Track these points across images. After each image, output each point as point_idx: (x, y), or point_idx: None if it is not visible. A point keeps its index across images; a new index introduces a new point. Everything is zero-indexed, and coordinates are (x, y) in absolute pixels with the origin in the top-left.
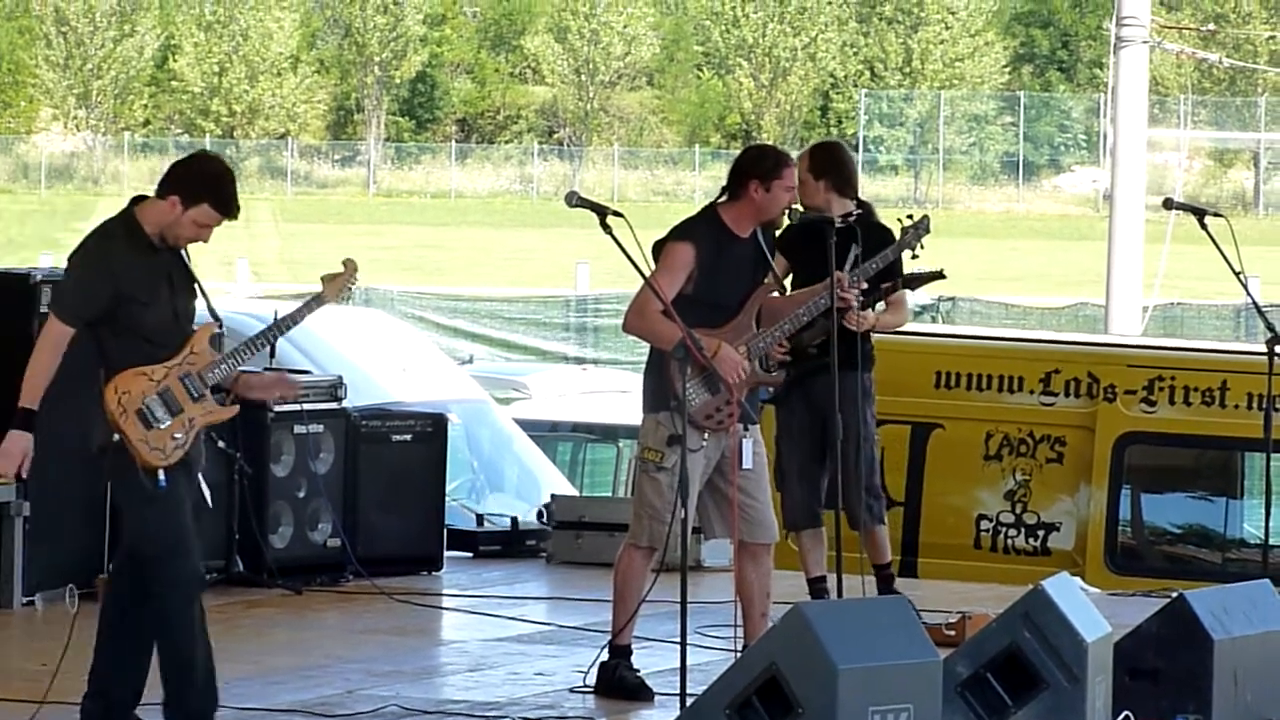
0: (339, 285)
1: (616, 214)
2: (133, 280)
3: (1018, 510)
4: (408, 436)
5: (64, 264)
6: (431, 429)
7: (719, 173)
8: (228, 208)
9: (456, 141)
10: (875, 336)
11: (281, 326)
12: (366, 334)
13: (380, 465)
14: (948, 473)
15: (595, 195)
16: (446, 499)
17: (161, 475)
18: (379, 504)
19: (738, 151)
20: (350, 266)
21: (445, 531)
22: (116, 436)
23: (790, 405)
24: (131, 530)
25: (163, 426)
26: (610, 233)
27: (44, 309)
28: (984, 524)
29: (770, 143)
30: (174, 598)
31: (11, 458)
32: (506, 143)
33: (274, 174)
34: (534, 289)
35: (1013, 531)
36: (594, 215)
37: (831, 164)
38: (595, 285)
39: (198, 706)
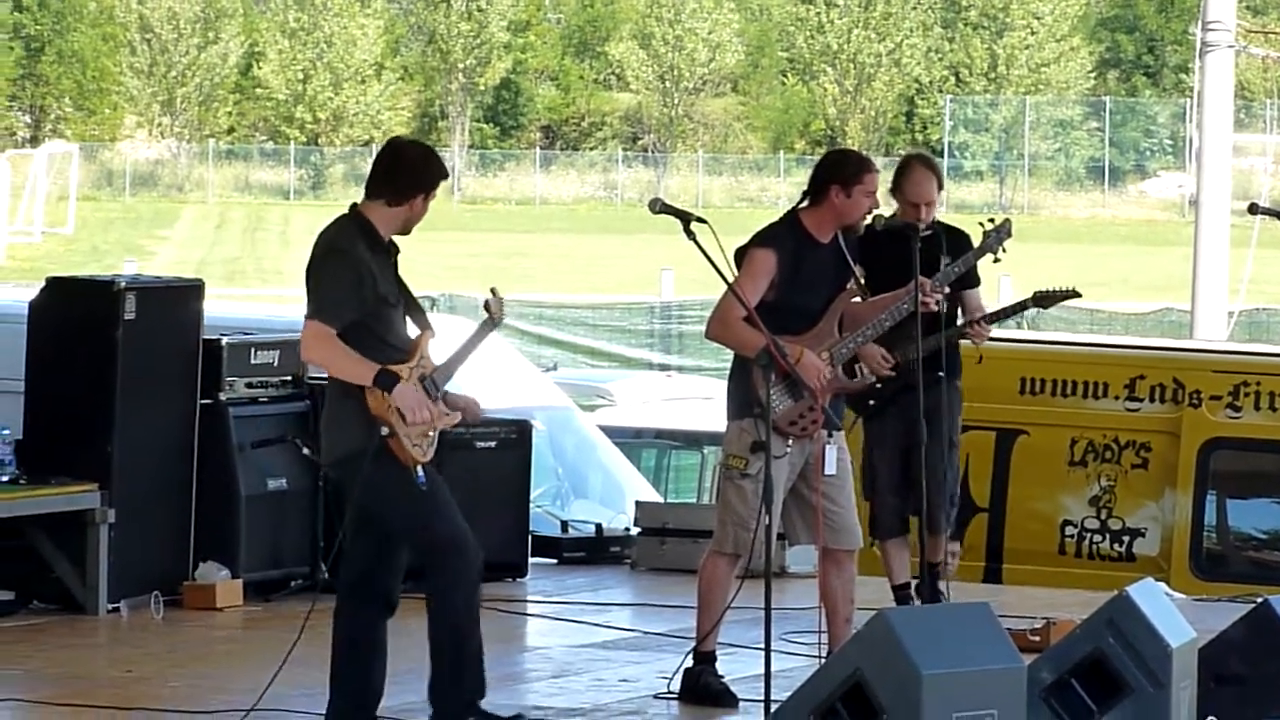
0: (499, 311)
1: (700, 220)
2: (384, 282)
3: (1102, 516)
4: (492, 443)
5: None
6: (516, 436)
7: (803, 179)
8: (446, 171)
9: (541, 148)
10: (961, 343)
11: (469, 350)
12: (451, 341)
13: (465, 472)
14: (1032, 479)
15: (679, 202)
16: (531, 505)
17: (420, 473)
18: (464, 510)
19: (819, 157)
20: (497, 294)
21: (530, 538)
22: (386, 431)
23: (887, 415)
24: (405, 529)
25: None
26: (694, 239)
27: (129, 315)
28: (1069, 530)
29: (853, 148)
30: (457, 593)
31: (421, 407)
32: (591, 149)
33: (359, 181)
34: (618, 295)
35: (1097, 537)
36: (678, 221)
37: (935, 163)
38: (679, 292)
39: (469, 691)
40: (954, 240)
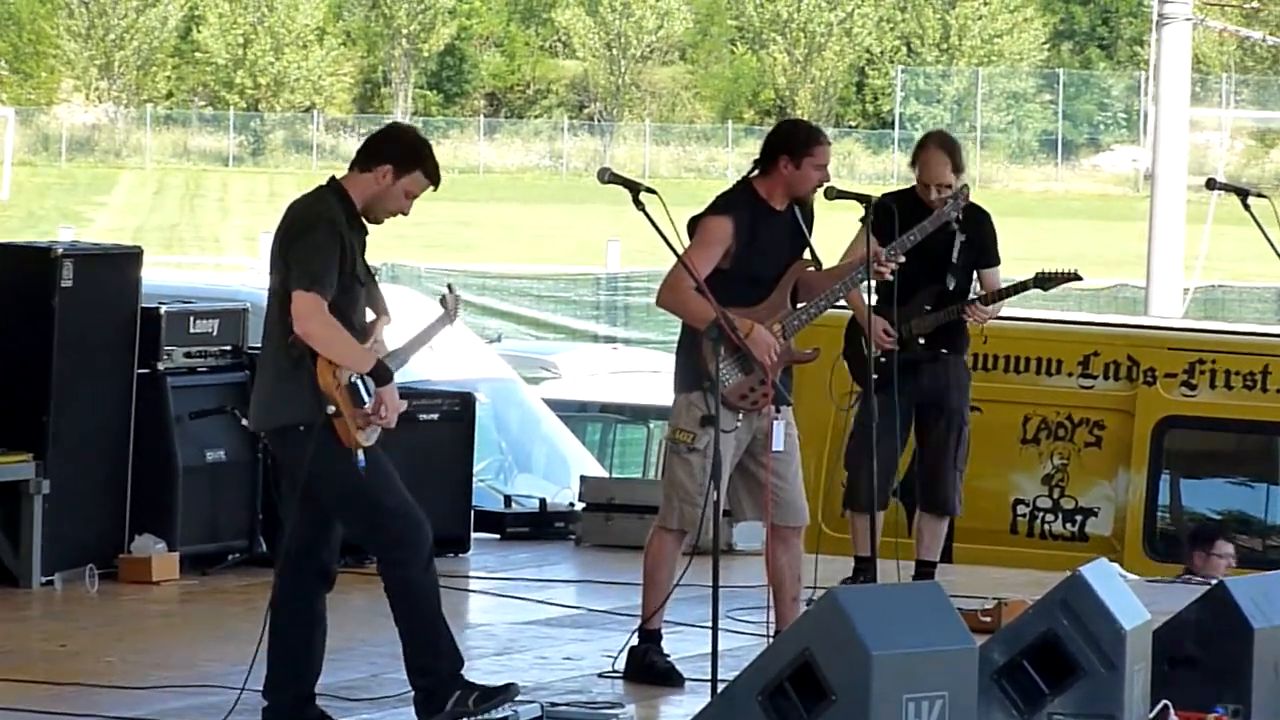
0: (455, 309)
1: (650, 190)
2: (355, 258)
3: (1055, 495)
4: (435, 416)
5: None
6: (459, 408)
7: (752, 149)
8: (437, 175)
9: (485, 116)
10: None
11: (421, 343)
12: (393, 312)
13: (406, 445)
14: (984, 456)
15: (626, 172)
16: (474, 480)
17: (361, 457)
18: (405, 484)
19: (770, 128)
20: (453, 292)
21: (472, 513)
22: (332, 409)
23: (890, 392)
24: (349, 509)
25: (365, 407)
26: (643, 210)
27: (66, 282)
28: (1021, 509)
29: (804, 119)
30: (415, 566)
31: (396, 410)
32: (536, 117)
33: (299, 148)
34: (564, 266)
35: (1050, 516)
36: (626, 192)
37: (955, 145)
38: (626, 263)
39: (448, 666)
40: (971, 220)
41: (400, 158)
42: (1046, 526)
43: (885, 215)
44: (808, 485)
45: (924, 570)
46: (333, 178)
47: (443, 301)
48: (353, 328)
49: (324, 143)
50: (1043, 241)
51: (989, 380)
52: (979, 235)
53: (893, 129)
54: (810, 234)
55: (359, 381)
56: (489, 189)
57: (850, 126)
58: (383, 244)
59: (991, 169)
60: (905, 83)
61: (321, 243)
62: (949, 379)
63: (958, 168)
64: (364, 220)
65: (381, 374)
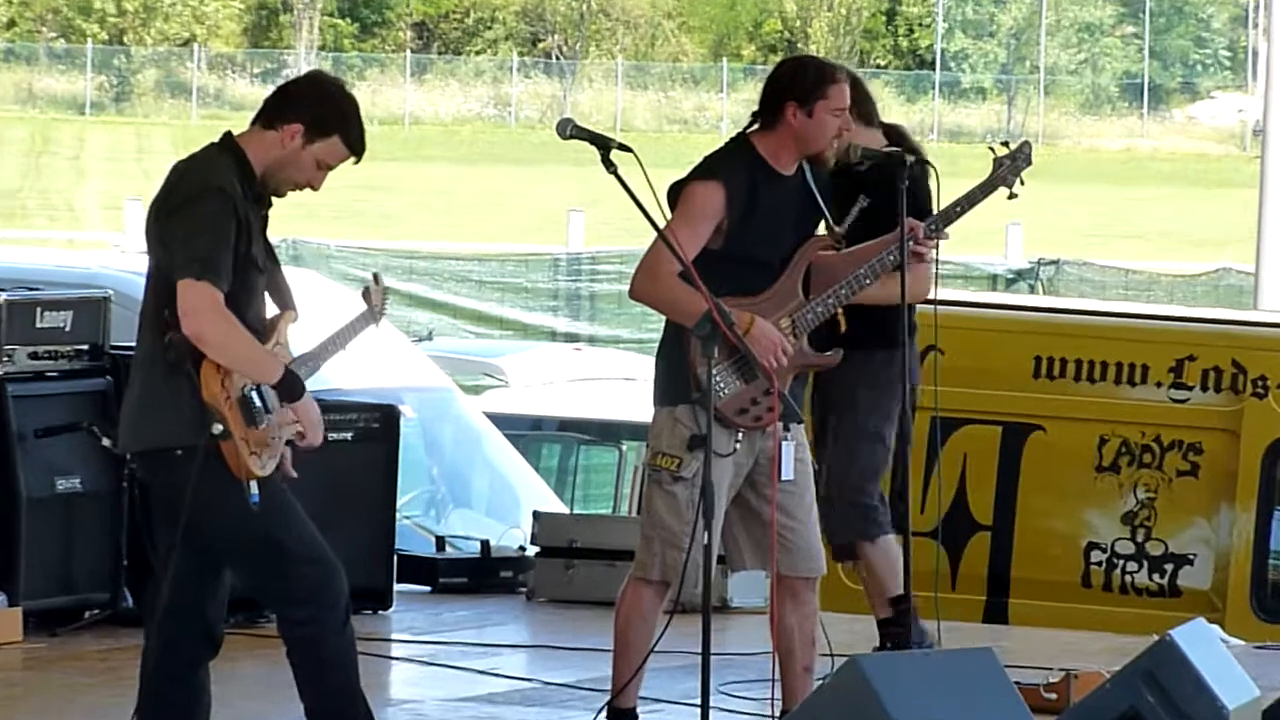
0: (381, 304)
1: (623, 148)
2: (254, 236)
3: (1139, 537)
4: (347, 435)
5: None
6: (378, 426)
7: (752, 95)
8: (361, 143)
9: (413, 51)
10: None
11: (338, 346)
12: (297, 303)
13: (311, 473)
14: (1049, 488)
15: (593, 124)
16: (397, 517)
17: (254, 489)
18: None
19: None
20: (380, 283)
21: (396, 559)
22: (219, 428)
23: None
24: (242, 552)
25: (261, 427)
26: (614, 171)
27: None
28: (1095, 555)
29: (814, 55)
30: (326, 624)
31: (318, 426)
32: (477, 54)
33: (175, 91)
34: (512, 245)
35: (1132, 565)
36: (593, 149)
37: (854, 88)
38: (592, 241)
39: None
40: (883, 179)
41: (315, 116)
42: (1128, 578)
43: (922, 179)
44: None
45: (894, 616)
46: (228, 134)
47: (365, 295)
48: (249, 326)
49: (206, 85)
50: (1125, 214)
51: (1054, 391)
52: (889, 200)
53: (932, 70)
54: (828, 204)
55: (254, 394)
56: (417, 145)
57: (878, 67)
58: (280, 214)
59: (1058, 121)
60: (949, 11)
61: (214, 218)
62: (854, 381)
63: (860, 115)
64: (264, 189)
65: (292, 386)
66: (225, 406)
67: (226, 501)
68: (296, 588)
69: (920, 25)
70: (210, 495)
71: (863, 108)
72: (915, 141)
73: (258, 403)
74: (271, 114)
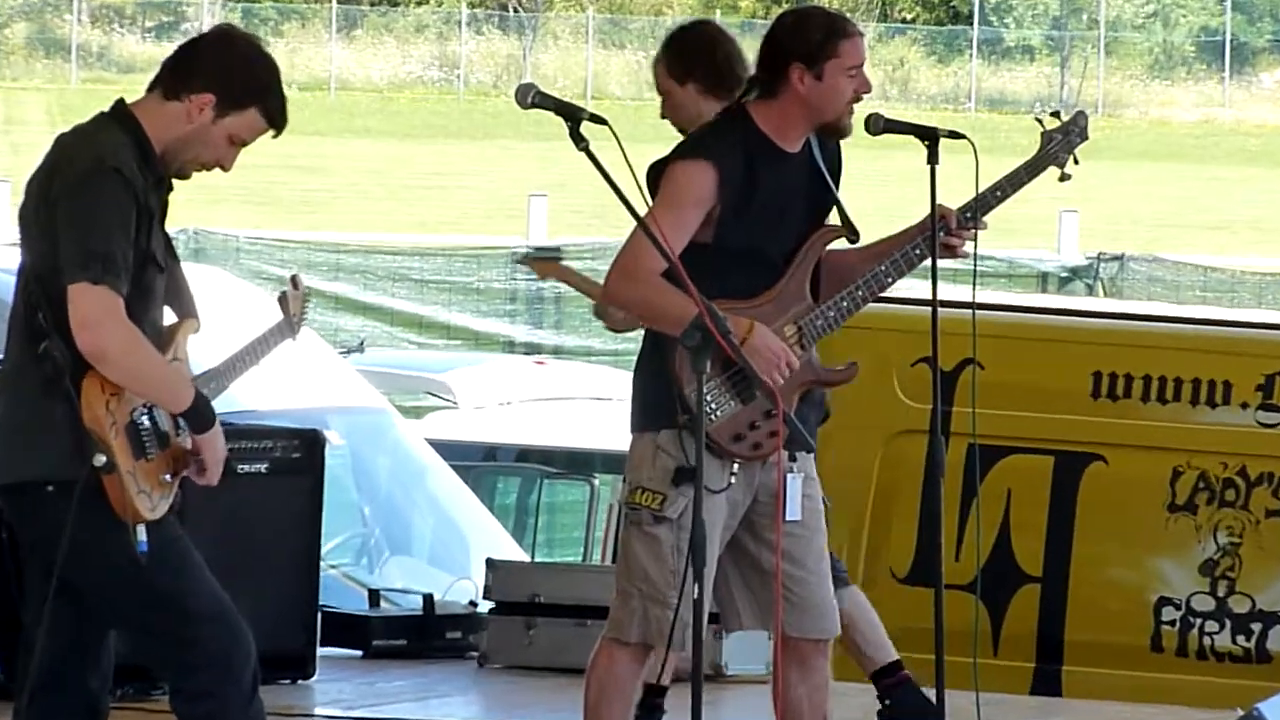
0: (301, 312)
1: (595, 119)
2: (154, 228)
3: (1221, 591)
4: (260, 467)
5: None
6: (298, 456)
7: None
8: (282, 115)
9: (340, 2)
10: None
11: (251, 360)
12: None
13: (215, 512)
14: (1111, 531)
15: (560, 90)
16: (322, 566)
17: (142, 533)
18: (215, 574)
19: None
20: (299, 286)
21: (319, 617)
22: (101, 459)
23: None
24: (127, 608)
25: (151, 458)
26: (584, 148)
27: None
28: (1168, 612)
29: (818, 5)
30: (230, 698)
31: (220, 464)
32: (418, 4)
33: (50, 50)
34: (462, 236)
35: (1212, 624)
36: (559, 121)
37: (694, 53)
38: (557, 231)
39: None
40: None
41: (228, 85)
42: (1208, 639)
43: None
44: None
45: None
46: (120, 103)
47: (282, 301)
48: (146, 337)
49: (89, 42)
50: (1202, 199)
51: (1117, 414)
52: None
53: (969, 25)
54: (838, 185)
55: (146, 419)
56: (345, 115)
57: (904, 21)
58: (178, 198)
59: (1123, 87)
60: None
61: (111, 205)
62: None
63: (681, 73)
64: (165, 170)
65: (202, 414)
66: (110, 434)
67: (109, 549)
68: (193, 653)
69: None
70: (89, 541)
71: (708, 73)
72: None
73: (149, 430)
74: (175, 82)
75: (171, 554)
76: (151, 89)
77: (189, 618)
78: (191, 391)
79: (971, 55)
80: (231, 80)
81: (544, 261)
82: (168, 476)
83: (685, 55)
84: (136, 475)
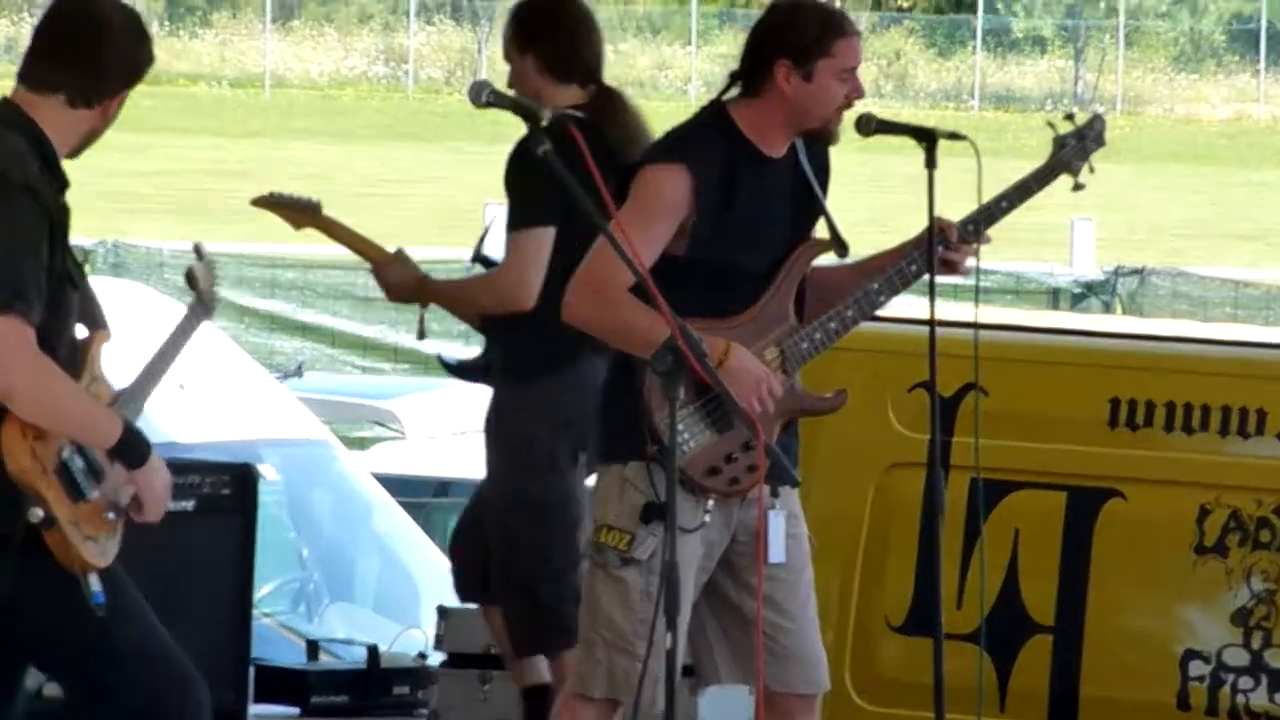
0: (210, 285)
1: (558, 119)
2: (66, 243)
3: (1255, 643)
4: (187, 505)
5: None
6: (228, 492)
7: (732, 49)
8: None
9: None
10: (949, 336)
11: (169, 358)
12: (115, 324)
13: (137, 554)
14: (1131, 576)
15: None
16: (254, 614)
17: (95, 583)
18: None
19: (760, 13)
20: (204, 256)
21: (251, 671)
22: (38, 514)
23: None
24: (75, 668)
25: (91, 498)
26: (544, 151)
27: None
28: (1195, 666)
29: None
30: None
31: (161, 500)
32: None
33: None
34: (411, 247)
35: (1246, 680)
36: (517, 121)
37: (538, 25)
38: None
39: None
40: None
41: (138, 74)
42: (1241, 698)
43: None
44: (828, 617)
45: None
46: (7, 101)
47: (189, 278)
48: (65, 363)
49: None
50: (1232, 205)
51: (1138, 446)
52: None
53: (973, 12)
54: (826, 193)
55: (76, 457)
56: (281, 115)
57: (900, 10)
58: (94, 208)
59: (1145, 82)
60: None
61: (18, 225)
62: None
63: (522, 43)
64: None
65: (134, 447)
66: (41, 482)
67: (58, 606)
68: (142, 705)
69: None
70: (35, 604)
71: (550, 51)
72: (632, 109)
73: (83, 468)
74: (86, 90)
75: (123, 605)
76: (38, 86)
77: (142, 665)
78: (118, 424)
79: (975, 47)
80: (139, 68)
81: (293, 208)
82: (111, 514)
83: (528, 25)
84: (79, 522)
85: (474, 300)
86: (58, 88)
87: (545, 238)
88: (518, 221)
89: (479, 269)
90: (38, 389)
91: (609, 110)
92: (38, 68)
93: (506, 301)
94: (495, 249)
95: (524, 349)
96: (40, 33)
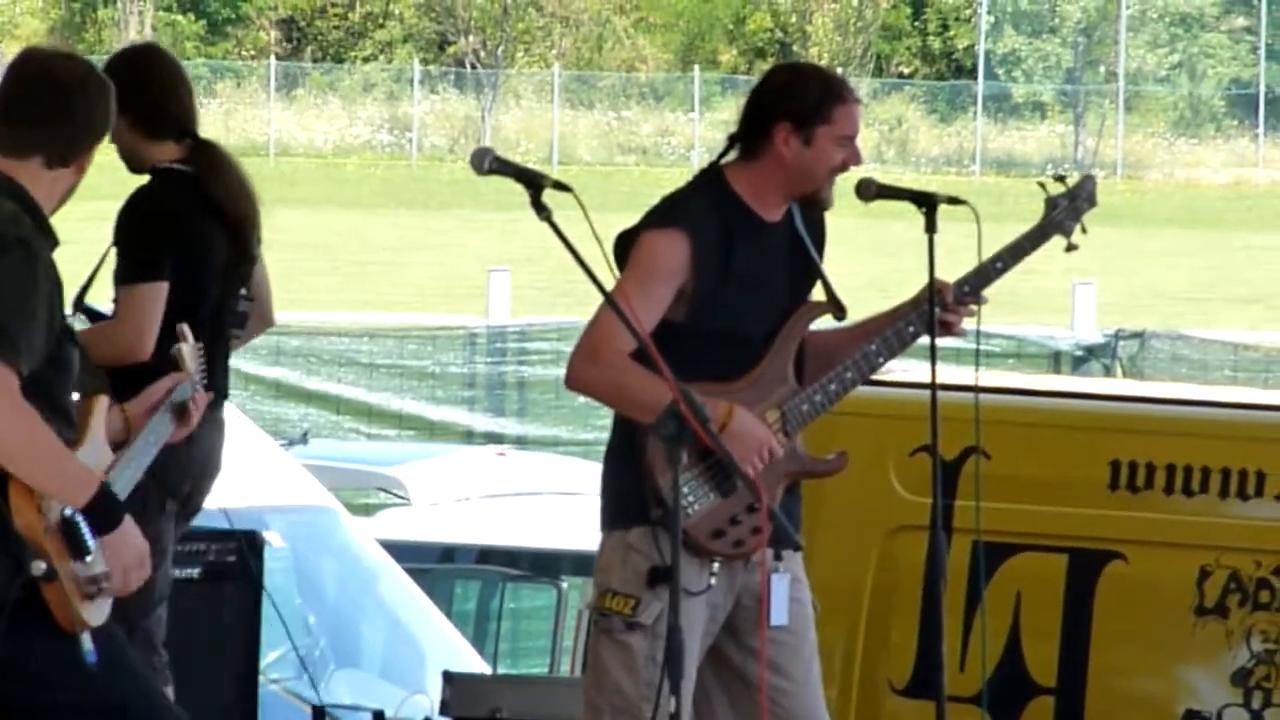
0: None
1: (560, 186)
2: (62, 300)
3: (1256, 704)
4: (192, 572)
5: None
6: (233, 560)
7: (730, 115)
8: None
9: (279, 59)
10: (950, 400)
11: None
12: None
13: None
14: (1133, 636)
15: (522, 155)
16: (260, 680)
17: (88, 641)
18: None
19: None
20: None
21: None
22: (41, 567)
23: None
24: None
25: (89, 559)
26: (548, 218)
27: None
28: None
29: (814, 63)
30: None
31: (134, 569)
32: (365, 61)
33: None
34: (415, 315)
35: None
36: (520, 189)
37: (128, 83)
38: (520, 310)
39: None
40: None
41: (101, 124)
42: None
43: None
44: (831, 680)
45: None
46: None
47: (176, 358)
48: (60, 419)
49: None
50: (1233, 269)
51: (1138, 507)
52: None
53: (973, 79)
54: (822, 256)
55: (80, 516)
56: (286, 183)
57: (901, 76)
58: (101, 274)
59: (1145, 146)
60: (995, 1)
61: (12, 278)
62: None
63: (119, 102)
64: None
65: (106, 511)
66: (45, 537)
67: (53, 666)
68: None
69: (957, 20)
70: (32, 662)
71: (142, 109)
72: (231, 160)
73: (85, 527)
74: (63, 151)
75: (116, 663)
76: (13, 151)
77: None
78: (93, 486)
79: (976, 113)
80: (106, 123)
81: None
82: (106, 575)
83: (122, 80)
84: (79, 580)
85: (92, 350)
86: (34, 151)
87: (161, 291)
88: (133, 275)
89: (81, 318)
90: (12, 436)
91: (209, 163)
92: (10, 134)
93: (125, 354)
94: (97, 298)
95: None
96: (3, 99)
